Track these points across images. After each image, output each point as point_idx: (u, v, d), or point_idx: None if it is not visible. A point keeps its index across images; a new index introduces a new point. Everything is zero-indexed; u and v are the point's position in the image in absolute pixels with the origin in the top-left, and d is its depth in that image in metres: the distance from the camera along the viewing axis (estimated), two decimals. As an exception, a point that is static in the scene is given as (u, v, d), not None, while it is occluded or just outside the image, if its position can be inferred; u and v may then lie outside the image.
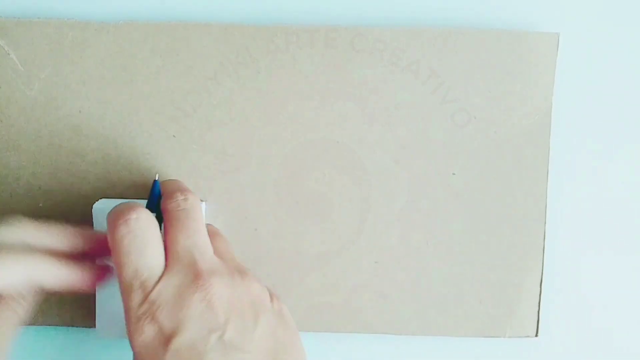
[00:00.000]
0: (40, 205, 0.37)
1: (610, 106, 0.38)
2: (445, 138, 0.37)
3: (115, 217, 0.28)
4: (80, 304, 0.37)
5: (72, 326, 0.38)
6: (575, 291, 0.39)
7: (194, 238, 0.28)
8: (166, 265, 0.27)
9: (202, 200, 0.36)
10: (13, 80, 0.36)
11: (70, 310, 0.37)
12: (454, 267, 0.37)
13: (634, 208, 0.39)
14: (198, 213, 0.30)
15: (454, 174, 0.37)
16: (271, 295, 0.30)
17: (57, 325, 0.38)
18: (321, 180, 0.37)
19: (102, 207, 0.34)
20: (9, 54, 0.36)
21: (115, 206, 0.29)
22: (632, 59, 0.38)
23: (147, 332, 0.24)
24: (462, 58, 0.36)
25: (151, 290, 0.25)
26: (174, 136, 0.37)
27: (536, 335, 0.38)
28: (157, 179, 0.33)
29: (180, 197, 0.30)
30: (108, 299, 0.34)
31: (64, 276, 0.29)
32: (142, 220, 0.27)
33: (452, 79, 0.36)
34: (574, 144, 0.38)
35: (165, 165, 0.37)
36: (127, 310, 0.26)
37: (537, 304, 0.38)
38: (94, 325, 0.36)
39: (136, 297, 0.25)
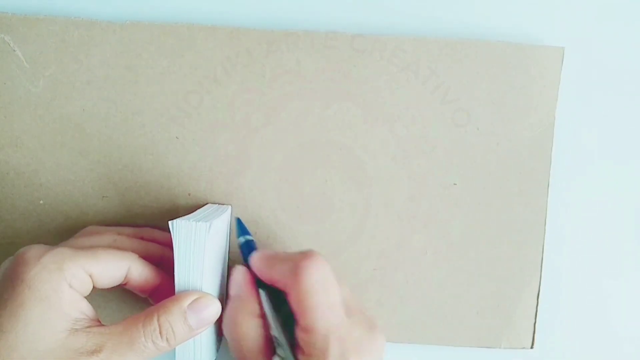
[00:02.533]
0: (41, 202, 0.37)
1: (613, 121, 0.38)
2: (445, 138, 0.37)
3: (300, 261, 0.30)
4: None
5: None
6: (572, 304, 0.39)
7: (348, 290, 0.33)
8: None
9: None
10: (17, 77, 0.36)
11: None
12: (452, 276, 0.37)
13: (634, 223, 0.39)
14: None
15: (455, 184, 0.37)
16: None
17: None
18: (321, 182, 0.37)
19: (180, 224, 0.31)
20: (14, 50, 0.36)
21: (285, 253, 0.32)
22: (636, 73, 0.38)
23: None
24: (467, 68, 0.36)
25: (346, 335, 0.29)
26: (176, 137, 0.37)
27: (532, 347, 0.38)
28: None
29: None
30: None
31: (149, 275, 0.32)
32: (327, 266, 0.30)
33: (453, 81, 0.37)
34: (575, 157, 0.38)
35: (167, 167, 0.37)
36: (321, 349, 0.29)
37: (534, 316, 0.38)
38: None
39: (336, 341, 0.29)
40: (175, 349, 0.31)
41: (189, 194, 0.37)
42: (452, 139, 0.37)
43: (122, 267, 0.31)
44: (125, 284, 0.32)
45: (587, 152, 0.38)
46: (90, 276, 0.30)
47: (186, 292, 0.31)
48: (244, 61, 0.36)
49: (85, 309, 0.29)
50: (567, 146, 0.38)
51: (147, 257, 0.33)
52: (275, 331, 0.31)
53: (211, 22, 0.37)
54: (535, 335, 0.38)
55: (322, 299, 0.29)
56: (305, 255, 0.30)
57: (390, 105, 0.37)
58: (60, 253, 0.29)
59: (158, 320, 0.29)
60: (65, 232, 0.37)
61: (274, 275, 0.31)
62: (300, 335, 0.30)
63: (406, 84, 0.37)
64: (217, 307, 0.31)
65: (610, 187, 0.38)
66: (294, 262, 0.30)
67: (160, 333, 0.29)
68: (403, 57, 0.36)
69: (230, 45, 0.36)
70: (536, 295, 0.37)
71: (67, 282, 0.29)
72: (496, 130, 0.37)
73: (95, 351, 0.27)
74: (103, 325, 0.29)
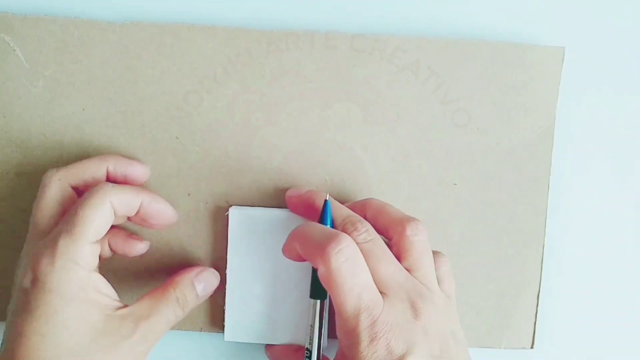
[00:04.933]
0: (41, 202, 0.37)
1: (613, 121, 0.38)
2: (445, 138, 0.37)
3: (326, 245, 0.29)
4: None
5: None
6: (572, 304, 0.39)
7: (394, 268, 0.31)
8: (382, 292, 0.30)
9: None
10: (17, 77, 0.36)
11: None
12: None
13: (634, 222, 0.39)
14: (382, 243, 0.32)
15: (455, 184, 0.37)
16: None
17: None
18: (321, 182, 0.37)
19: (238, 213, 0.36)
20: (14, 50, 0.36)
21: (315, 232, 0.31)
22: (636, 73, 0.38)
23: (380, 351, 0.28)
24: (467, 68, 0.36)
25: (379, 315, 0.28)
26: (176, 137, 0.37)
27: (532, 347, 0.38)
28: (328, 198, 0.33)
29: (362, 228, 0.31)
30: (238, 305, 0.36)
31: (163, 207, 0.34)
32: (353, 248, 0.29)
33: (453, 81, 0.37)
34: (576, 158, 0.38)
35: (167, 167, 0.37)
36: (352, 330, 0.28)
37: (534, 316, 0.38)
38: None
39: (366, 320, 0.28)
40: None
41: (189, 194, 0.37)
42: (452, 139, 0.37)
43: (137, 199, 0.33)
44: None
45: (587, 152, 0.38)
46: (114, 210, 0.32)
47: (193, 268, 0.35)
48: (244, 61, 0.36)
49: (109, 291, 0.32)
50: (567, 146, 0.38)
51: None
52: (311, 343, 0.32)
53: (211, 22, 0.37)
54: (535, 335, 0.38)
55: (349, 280, 0.29)
56: (331, 236, 0.30)
57: (390, 105, 0.37)
58: (68, 245, 0.30)
59: (175, 292, 0.33)
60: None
61: (304, 254, 0.31)
62: (336, 318, 0.30)
63: (406, 84, 0.37)
64: (216, 278, 0.35)
65: (610, 187, 0.38)
66: (322, 242, 0.30)
67: (178, 303, 0.33)
68: (403, 57, 0.36)
69: (230, 45, 0.36)
70: (536, 295, 0.37)
71: (88, 272, 0.30)
72: (496, 130, 0.37)
73: (132, 333, 0.30)
74: (127, 305, 0.32)
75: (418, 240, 0.31)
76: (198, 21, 0.37)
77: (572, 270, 0.39)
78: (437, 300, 0.30)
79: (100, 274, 0.32)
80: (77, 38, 0.36)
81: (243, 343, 0.38)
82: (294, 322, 0.36)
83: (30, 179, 0.37)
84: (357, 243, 0.30)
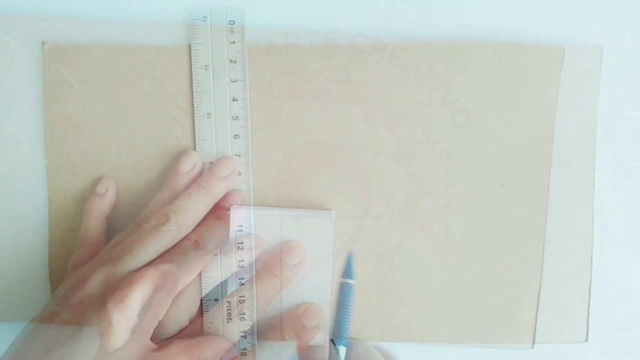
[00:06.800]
0: (41, 202, 0.37)
1: (614, 122, 0.38)
2: (445, 138, 0.37)
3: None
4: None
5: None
6: (572, 304, 0.39)
7: None
8: None
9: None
10: (17, 77, 0.36)
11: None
12: (452, 276, 0.37)
13: (633, 222, 0.39)
14: None
15: (455, 184, 0.37)
16: None
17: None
18: (321, 182, 0.37)
19: (239, 212, 0.36)
20: (14, 50, 0.36)
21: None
22: (637, 73, 0.38)
23: None
24: (467, 68, 0.37)
25: None
26: (176, 137, 0.37)
27: (532, 347, 0.38)
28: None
29: None
30: None
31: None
32: None
33: (453, 81, 0.37)
34: (575, 157, 0.38)
35: (167, 167, 0.37)
36: None
37: (535, 316, 0.38)
38: None
39: None
40: None
41: (189, 194, 0.37)
42: (452, 139, 0.37)
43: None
44: None
45: (586, 152, 0.38)
46: None
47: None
48: (244, 61, 0.36)
49: None
50: (567, 146, 0.38)
51: None
52: None
53: (211, 22, 0.37)
54: (537, 334, 0.38)
55: None
56: None
57: (390, 105, 0.37)
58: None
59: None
60: (65, 232, 0.37)
61: None
62: None
63: (406, 84, 0.37)
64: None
65: (610, 186, 0.38)
66: None
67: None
68: (403, 57, 0.36)
69: (230, 45, 0.36)
70: (537, 294, 0.37)
71: None
72: (496, 130, 0.37)
73: None
74: None
75: None
76: (198, 21, 0.37)
77: (573, 269, 0.39)
78: None
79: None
80: (78, 38, 0.36)
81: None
82: None
83: (30, 179, 0.37)
84: None
